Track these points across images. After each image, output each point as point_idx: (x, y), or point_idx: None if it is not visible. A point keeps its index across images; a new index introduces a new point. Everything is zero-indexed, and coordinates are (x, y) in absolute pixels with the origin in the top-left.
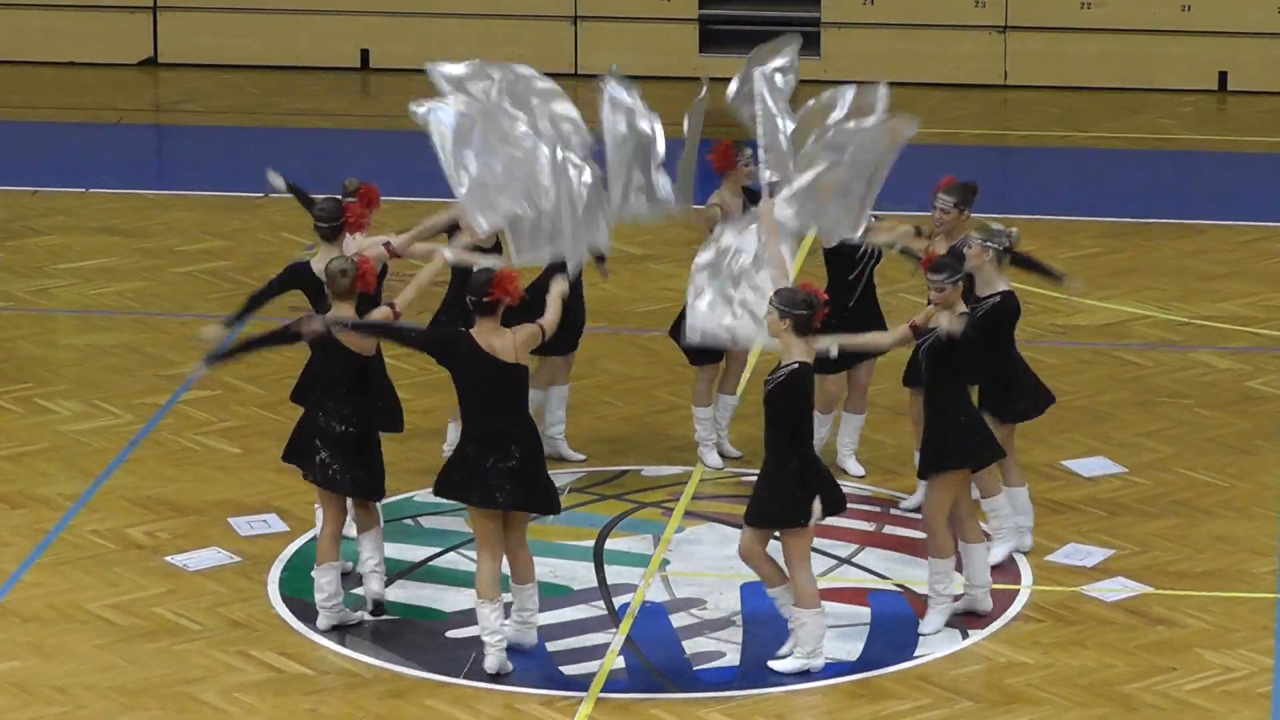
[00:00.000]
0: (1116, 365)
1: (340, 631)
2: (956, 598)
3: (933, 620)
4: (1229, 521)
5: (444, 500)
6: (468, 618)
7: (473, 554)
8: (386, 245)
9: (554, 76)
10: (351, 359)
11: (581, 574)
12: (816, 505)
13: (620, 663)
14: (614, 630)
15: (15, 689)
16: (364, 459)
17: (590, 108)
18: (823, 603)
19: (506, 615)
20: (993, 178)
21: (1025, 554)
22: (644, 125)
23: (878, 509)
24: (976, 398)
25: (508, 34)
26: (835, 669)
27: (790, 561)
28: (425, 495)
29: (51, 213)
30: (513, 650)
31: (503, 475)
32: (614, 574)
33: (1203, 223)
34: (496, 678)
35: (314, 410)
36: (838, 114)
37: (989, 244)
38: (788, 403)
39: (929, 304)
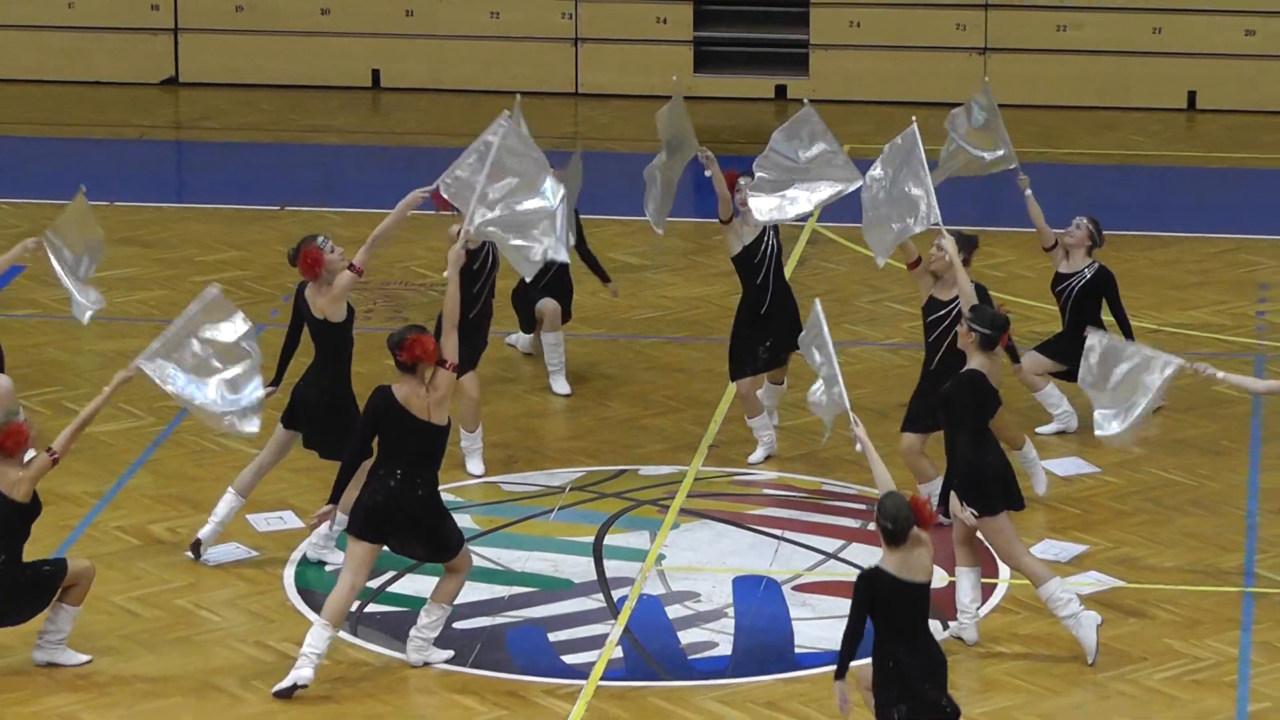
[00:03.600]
0: None
1: (353, 620)
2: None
3: (1086, 638)
4: (1198, 519)
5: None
6: (475, 609)
7: (482, 549)
8: (352, 268)
9: (555, 95)
10: None
11: (582, 568)
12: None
13: (618, 652)
14: (613, 622)
15: (44, 677)
16: None
17: (589, 124)
18: (811, 596)
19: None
20: (974, 193)
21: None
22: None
23: (864, 507)
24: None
25: (511, 55)
26: (824, 658)
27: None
28: None
29: None
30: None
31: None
32: (613, 568)
33: (1173, 235)
34: (498, 666)
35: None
36: None
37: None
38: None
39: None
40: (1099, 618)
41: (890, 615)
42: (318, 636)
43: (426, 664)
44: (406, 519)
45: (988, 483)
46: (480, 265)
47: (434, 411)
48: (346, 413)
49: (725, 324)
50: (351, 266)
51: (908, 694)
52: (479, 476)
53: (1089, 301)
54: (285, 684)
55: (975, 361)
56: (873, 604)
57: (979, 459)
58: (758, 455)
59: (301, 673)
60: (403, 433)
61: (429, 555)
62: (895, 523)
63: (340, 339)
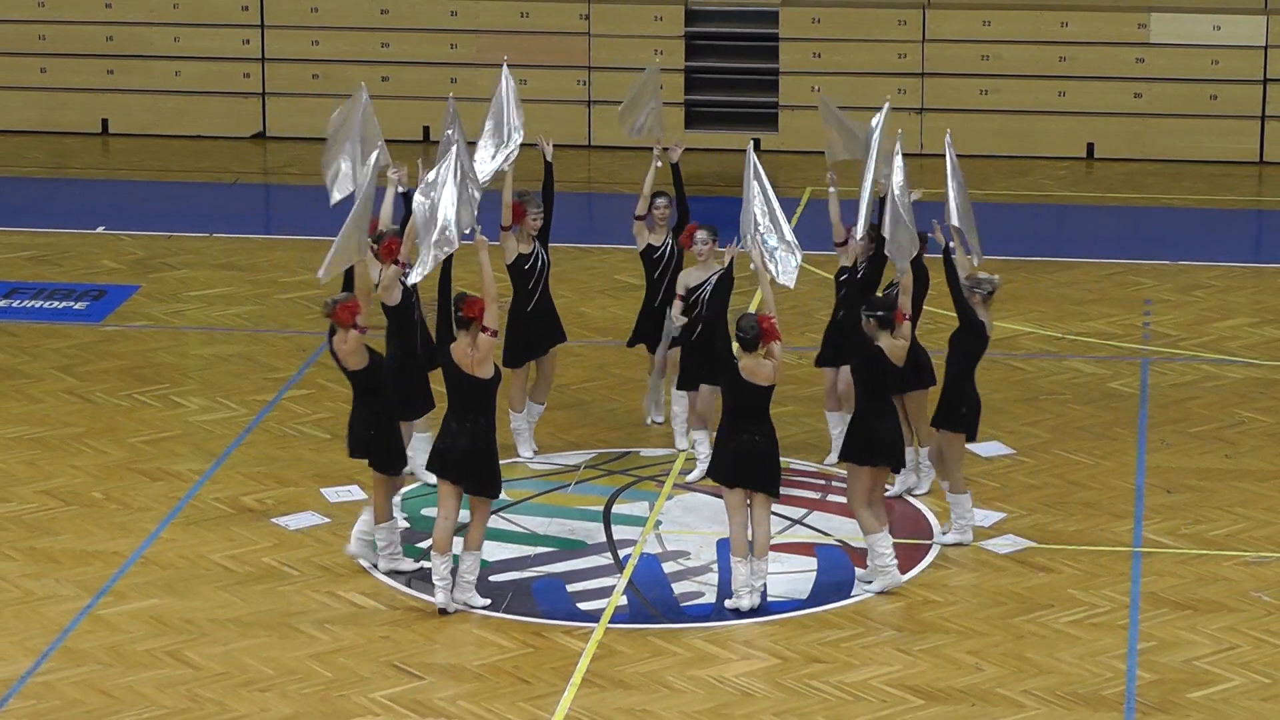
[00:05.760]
0: (1007, 370)
1: (407, 576)
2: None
3: (878, 584)
4: (1095, 491)
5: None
6: (505, 565)
7: (512, 516)
8: (397, 262)
9: (572, 147)
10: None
11: (594, 532)
12: None
13: (624, 600)
14: (619, 575)
15: (154, 620)
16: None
17: (599, 171)
18: (780, 554)
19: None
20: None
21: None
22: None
23: (822, 482)
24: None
25: (536, 114)
26: (789, 606)
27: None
28: None
29: (183, 252)
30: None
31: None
32: (619, 532)
33: (1074, 260)
34: (526, 612)
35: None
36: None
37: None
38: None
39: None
40: (900, 582)
41: (736, 403)
42: (436, 563)
43: (469, 606)
44: (460, 455)
45: (872, 440)
46: (531, 265)
47: (477, 368)
48: (410, 379)
49: None
50: (396, 260)
51: (740, 465)
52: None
53: (862, 293)
54: (439, 603)
55: (880, 340)
56: (728, 386)
57: (870, 419)
58: (695, 475)
59: (437, 597)
60: (456, 383)
61: (471, 489)
62: (747, 333)
63: (396, 319)
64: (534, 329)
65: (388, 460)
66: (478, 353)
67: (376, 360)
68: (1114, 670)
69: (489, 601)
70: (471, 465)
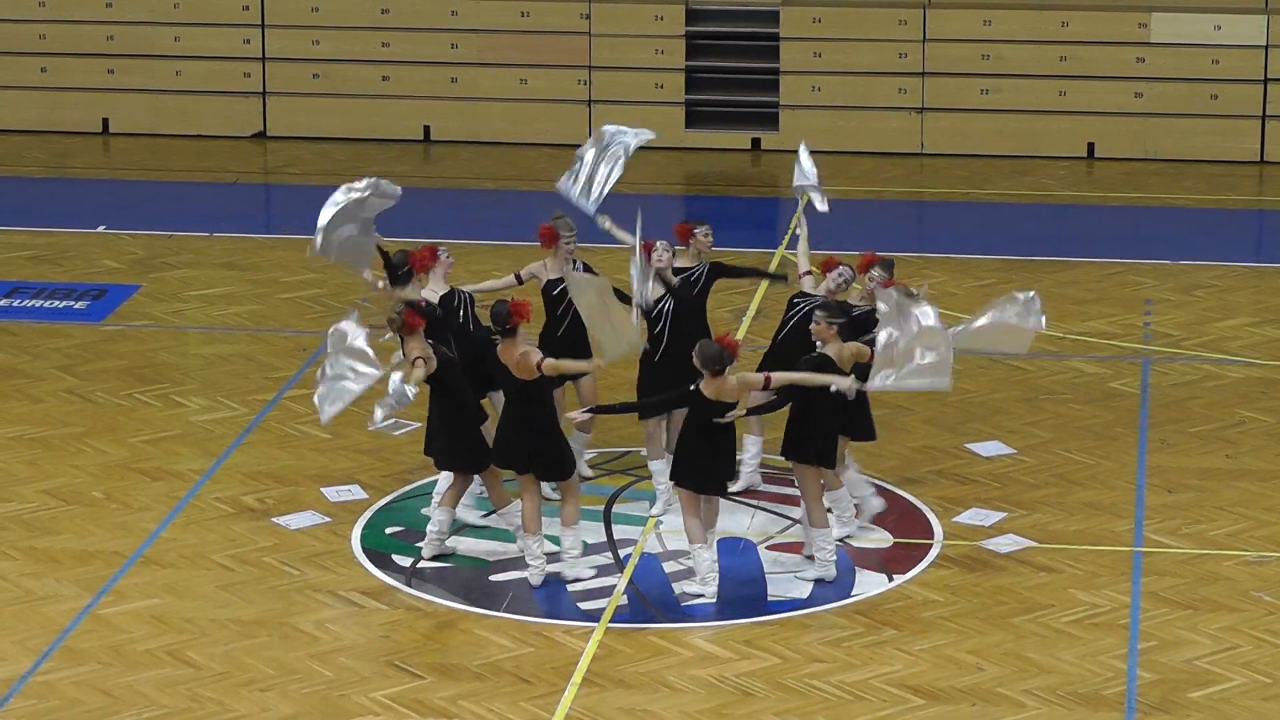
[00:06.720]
0: (1008, 370)
1: (408, 575)
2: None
3: (812, 571)
4: (1096, 491)
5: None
6: (506, 565)
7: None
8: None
9: (573, 146)
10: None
11: (594, 531)
12: None
13: (624, 600)
14: (619, 575)
15: (155, 620)
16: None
17: None
18: (780, 554)
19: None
20: (911, 226)
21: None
22: None
23: (821, 483)
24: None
25: (537, 113)
26: (790, 605)
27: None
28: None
29: (183, 252)
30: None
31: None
32: (619, 531)
33: (1075, 260)
34: (527, 611)
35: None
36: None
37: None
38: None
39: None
40: (833, 576)
41: (699, 416)
42: (528, 544)
43: (578, 580)
44: (525, 444)
45: (813, 440)
46: (563, 290)
47: (525, 373)
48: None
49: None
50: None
51: (703, 466)
52: None
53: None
54: (535, 583)
55: (829, 348)
56: (686, 400)
57: (807, 418)
58: (658, 508)
59: (532, 577)
60: (507, 379)
61: (542, 475)
62: (721, 363)
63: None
64: (565, 355)
65: (452, 459)
66: (525, 361)
67: (445, 362)
68: (1115, 670)
69: (595, 571)
70: (537, 453)
